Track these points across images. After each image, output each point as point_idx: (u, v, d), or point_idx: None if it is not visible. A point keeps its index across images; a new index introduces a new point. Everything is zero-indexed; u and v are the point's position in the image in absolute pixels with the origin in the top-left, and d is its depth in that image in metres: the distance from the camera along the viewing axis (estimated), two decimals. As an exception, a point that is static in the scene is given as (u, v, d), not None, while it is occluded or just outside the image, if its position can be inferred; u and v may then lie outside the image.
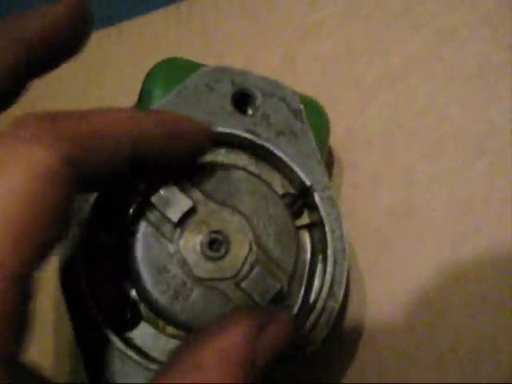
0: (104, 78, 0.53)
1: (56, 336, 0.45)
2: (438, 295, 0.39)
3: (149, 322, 0.30)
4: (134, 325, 0.30)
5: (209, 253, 0.28)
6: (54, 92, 0.53)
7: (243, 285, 0.28)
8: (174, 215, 0.28)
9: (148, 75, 0.37)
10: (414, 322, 0.39)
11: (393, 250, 0.41)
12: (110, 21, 0.54)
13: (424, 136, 0.43)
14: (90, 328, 0.28)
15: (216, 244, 0.28)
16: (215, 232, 0.28)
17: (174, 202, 0.28)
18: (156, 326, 0.30)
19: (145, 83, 0.37)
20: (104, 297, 0.30)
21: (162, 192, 0.28)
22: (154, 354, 0.29)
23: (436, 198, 0.41)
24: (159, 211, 0.28)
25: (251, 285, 0.28)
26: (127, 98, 0.50)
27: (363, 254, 0.41)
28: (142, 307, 0.30)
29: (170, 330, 0.30)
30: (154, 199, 0.28)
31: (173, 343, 0.30)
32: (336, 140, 0.42)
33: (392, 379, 0.38)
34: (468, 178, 0.41)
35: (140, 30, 0.52)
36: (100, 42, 0.53)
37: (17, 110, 0.23)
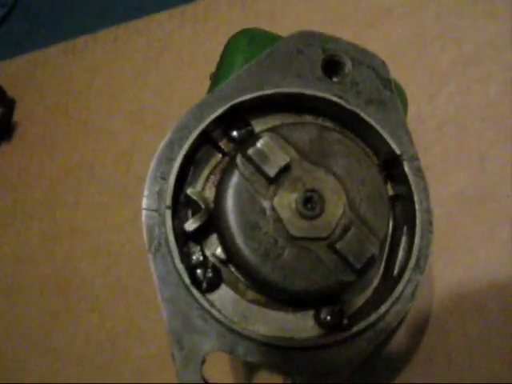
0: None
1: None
2: (510, 284, 0.38)
3: (229, 284, 0.29)
4: (215, 286, 0.29)
5: (304, 211, 0.27)
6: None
7: (338, 246, 0.27)
8: (271, 170, 0.27)
9: (227, 46, 0.36)
10: (484, 306, 0.38)
11: (463, 236, 0.40)
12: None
13: (496, 123, 0.42)
14: (173, 285, 0.27)
15: (311, 202, 0.27)
16: (310, 191, 0.28)
17: (271, 156, 0.27)
18: (236, 290, 0.29)
19: (225, 54, 0.36)
20: (188, 255, 0.29)
21: (258, 145, 0.28)
22: (234, 318, 0.29)
23: (510, 184, 0.40)
24: (255, 164, 0.27)
25: (346, 246, 0.27)
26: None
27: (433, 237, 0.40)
28: (223, 270, 0.29)
29: (251, 294, 0.29)
30: (250, 151, 0.27)
31: (252, 309, 0.29)
32: (405, 125, 0.41)
33: (460, 363, 0.37)
34: (542, 166, 0.40)
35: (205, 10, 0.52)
36: (162, 24, 0.53)
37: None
